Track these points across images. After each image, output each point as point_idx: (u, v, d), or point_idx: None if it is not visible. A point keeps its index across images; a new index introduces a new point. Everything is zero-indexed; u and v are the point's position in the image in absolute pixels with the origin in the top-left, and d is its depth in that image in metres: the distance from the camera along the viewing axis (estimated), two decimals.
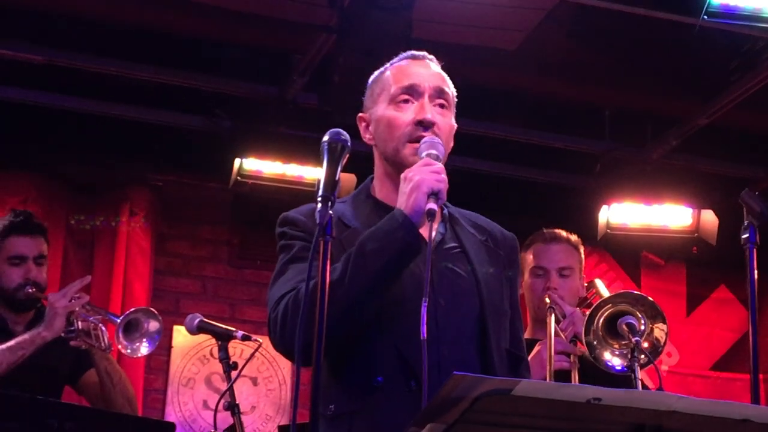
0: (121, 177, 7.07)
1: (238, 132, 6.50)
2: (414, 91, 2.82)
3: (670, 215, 7.05)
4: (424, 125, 2.76)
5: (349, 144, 2.61)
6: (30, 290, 4.76)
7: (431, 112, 2.79)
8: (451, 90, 2.89)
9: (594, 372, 3.85)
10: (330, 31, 5.54)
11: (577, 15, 5.62)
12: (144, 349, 4.79)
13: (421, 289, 2.47)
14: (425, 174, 2.61)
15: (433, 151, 2.69)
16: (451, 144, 2.86)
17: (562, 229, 4.42)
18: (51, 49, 5.93)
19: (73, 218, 6.92)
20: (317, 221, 2.43)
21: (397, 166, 2.77)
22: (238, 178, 6.55)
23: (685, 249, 7.51)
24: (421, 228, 2.60)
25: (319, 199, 2.46)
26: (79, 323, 4.66)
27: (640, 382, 3.73)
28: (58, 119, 6.51)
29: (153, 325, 4.79)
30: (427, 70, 2.89)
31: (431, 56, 2.95)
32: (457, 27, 5.70)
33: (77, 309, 4.65)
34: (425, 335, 2.41)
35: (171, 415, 6.92)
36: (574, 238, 4.37)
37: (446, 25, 5.65)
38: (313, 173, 6.53)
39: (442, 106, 2.83)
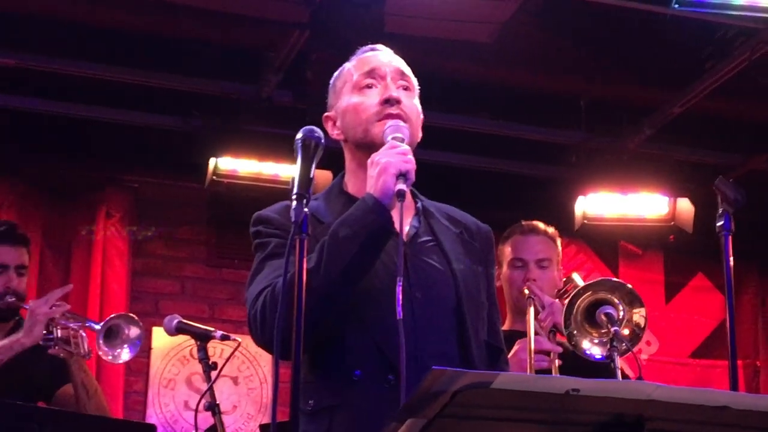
0: (97, 179, 7.05)
1: (213, 131, 6.48)
2: (376, 75, 2.84)
3: (647, 204, 7.04)
4: (391, 102, 2.77)
5: (322, 141, 2.59)
6: (10, 300, 4.73)
7: (396, 91, 2.80)
8: (412, 76, 2.90)
9: (574, 362, 3.86)
10: (303, 28, 5.54)
11: (550, 6, 5.63)
12: (125, 355, 4.79)
13: (395, 282, 2.46)
14: (392, 156, 2.61)
15: (399, 134, 2.69)
16: (420, 132, 2.86)
17: (540, 220, 4.44)
18: (24, 52, 5.90)
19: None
20: (292, 219, 2.41)
21: (369, 150, 2.74)
22: (214, 177, 6.51)
23: (662, 238, 7.53)
24: (392, 210, 2.59)
25: (294, 196, 2.45)
26: (59, 331, 4.63)
27: (620, 372, 3.74)
28: (32, 123, 6.49)
29: (134, 332, 4.78)
30: (386, 56, 2.92)
31: (388, 48, 2.96)
32: (430, 20, 5.70)
33: (57, 317, 4.63)
34: (401, 315, 2.42)
35: (152, 417, 6.89)
36: (551, 230, 4.39)
37: (419, 19, 5.64)
38: (289, 171, 6.47)
39: (405, 88, 2.85)
